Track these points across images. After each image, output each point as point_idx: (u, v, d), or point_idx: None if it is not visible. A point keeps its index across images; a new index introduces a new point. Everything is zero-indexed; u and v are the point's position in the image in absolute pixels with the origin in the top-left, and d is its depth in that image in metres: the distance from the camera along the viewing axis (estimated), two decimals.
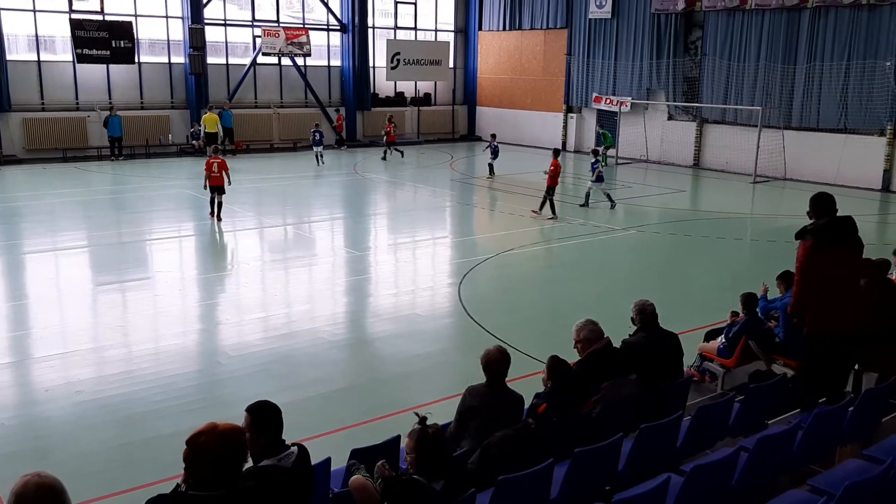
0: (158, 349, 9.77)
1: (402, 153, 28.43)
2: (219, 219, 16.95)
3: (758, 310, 8.20)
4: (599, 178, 19.12)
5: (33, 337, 10.07)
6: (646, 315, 6.43)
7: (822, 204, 6.19)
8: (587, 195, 19.38)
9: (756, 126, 24.13)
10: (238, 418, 3.75)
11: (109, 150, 26.41)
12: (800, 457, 5.39)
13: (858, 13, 22.67)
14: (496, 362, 5.34)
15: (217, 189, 16.95)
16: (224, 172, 16.99)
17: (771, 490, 4.93)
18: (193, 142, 27.86)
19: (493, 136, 25.13)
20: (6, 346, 9.74)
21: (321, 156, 26.39)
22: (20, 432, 7.40)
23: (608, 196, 19.29)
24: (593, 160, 19.59)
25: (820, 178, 23.40)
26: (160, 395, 8.22)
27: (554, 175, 17.91)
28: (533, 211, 18.24)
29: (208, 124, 27.19)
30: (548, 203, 17.96)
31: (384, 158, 27.94)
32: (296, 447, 4.05)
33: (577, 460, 4.70)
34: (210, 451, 3.27)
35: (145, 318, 11.05)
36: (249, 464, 3.64)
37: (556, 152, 19.10)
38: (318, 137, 26.45)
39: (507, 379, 5.51)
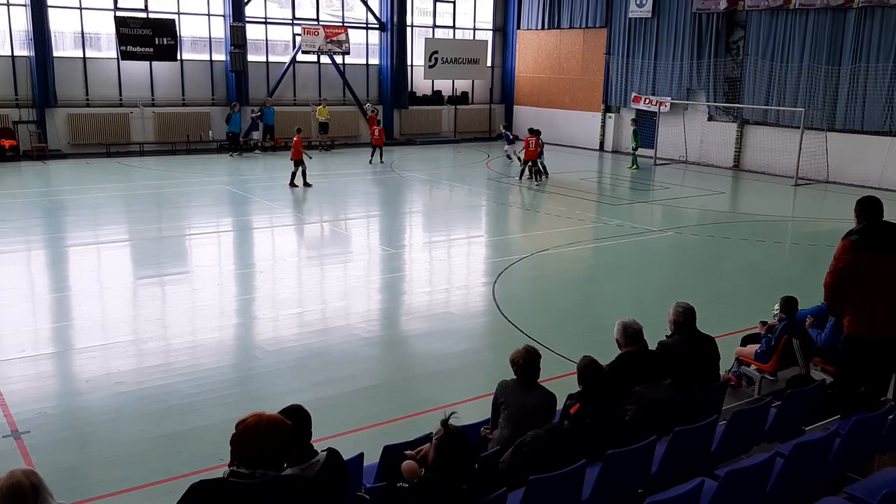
0: (196, 342, 9.91)
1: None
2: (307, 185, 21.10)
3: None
4: (509, 142, 24.23)
5: (75, 328, 10.29)
6: (684, 317, 6.38)
7: (868, 207, 6.12)
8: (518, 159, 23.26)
9: (798, 128, 23.69)
10: (272, 412, 3.80)
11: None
12: (837, 464, 5.31)
13: None
14: (521, 360, 5.46)
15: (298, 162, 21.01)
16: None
17: (807, 497, 4.87)
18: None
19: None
20: (49, 337, 9.99)
21: (513, 154, 26.36)
22: (62, 421, 7.56)
23: (513, 155, 23.27)
24: (504, 131, 25.45)
25: (864, 181, 22.93)
26: (197, 387, 8.35)
27: (532, 150, 22.31)
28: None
29: (321, 115, 29.65)
30: (527, 171, 22.48)
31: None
32: (325, 452, 4.03)
33: (609, 462, 4.68)
34: (253, 437, 3.37)
35: (183, 311, 11.22)
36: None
37: (532, 131, 23.05)
38: (510, 137, 27.28)
39: (540, 379, 5.52)
